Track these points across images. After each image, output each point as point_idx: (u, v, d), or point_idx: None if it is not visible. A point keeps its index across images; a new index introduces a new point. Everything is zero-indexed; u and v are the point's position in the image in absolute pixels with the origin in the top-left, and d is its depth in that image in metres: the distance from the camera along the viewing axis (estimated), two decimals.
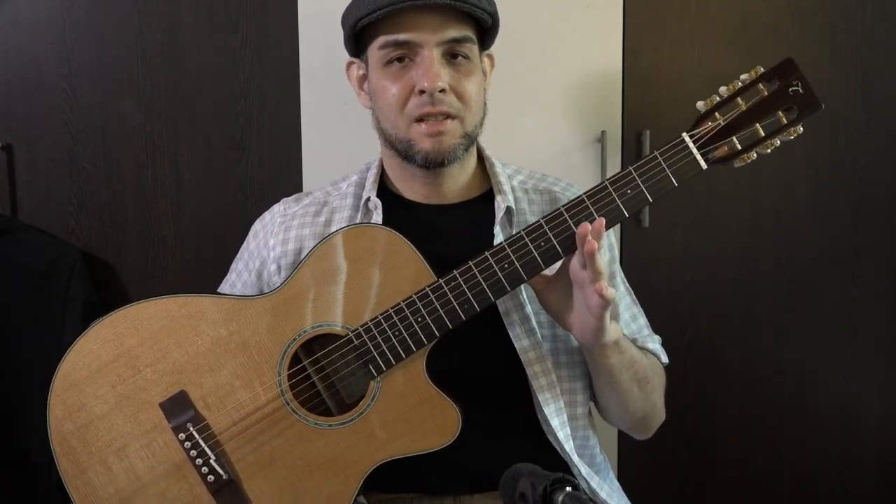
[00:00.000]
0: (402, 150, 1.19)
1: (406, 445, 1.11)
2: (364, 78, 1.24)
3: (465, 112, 1.17)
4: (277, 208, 1.32)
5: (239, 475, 1.11)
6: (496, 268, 1.09)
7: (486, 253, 1.09)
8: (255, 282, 1.29)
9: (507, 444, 1.18)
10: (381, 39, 1.15)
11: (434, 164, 1.18)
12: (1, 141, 1.92)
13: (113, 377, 1.11)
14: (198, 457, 1.10)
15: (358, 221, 1.24)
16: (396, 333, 1.09)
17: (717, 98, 1.09)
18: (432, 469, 1.14)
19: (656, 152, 1.08)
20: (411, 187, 1.25)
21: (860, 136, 1.90)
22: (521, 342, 1.17)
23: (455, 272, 1.09)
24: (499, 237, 1.20)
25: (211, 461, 1.10)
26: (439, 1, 1.11)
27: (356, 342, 1.10)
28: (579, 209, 1.08)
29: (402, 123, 1.17)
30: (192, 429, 1.10)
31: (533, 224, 1.09)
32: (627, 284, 1.33)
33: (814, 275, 1.93)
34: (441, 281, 1.09)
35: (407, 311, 1.09)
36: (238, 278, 1.32)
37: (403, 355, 1.10)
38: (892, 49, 1.88)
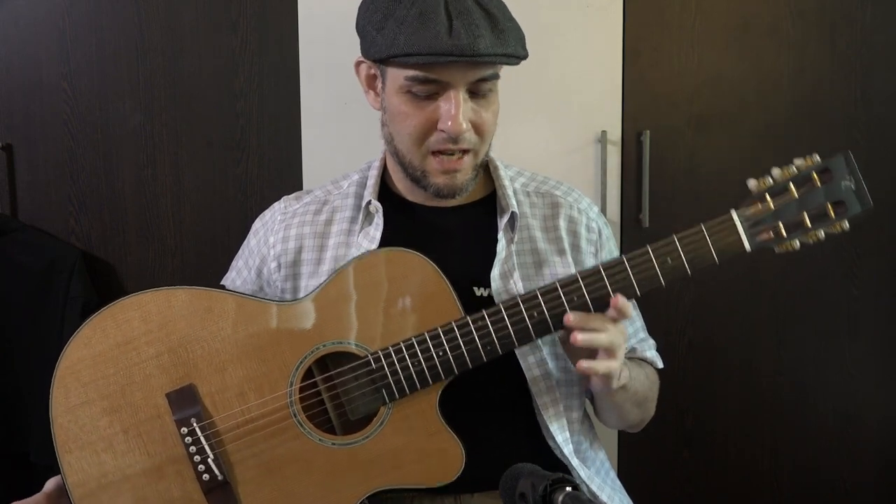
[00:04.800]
0: (412, 175, 1.19)
1: (404, 477, 1.10)
2: (374, 78, 1.20)
3: (480, 145, 1.17)
4: (278, 206, 1.31)
5: (235, 478, 1.10)
6: (525, 314, 1.08)
7: (518, 297, 1.08)
8: (255, 279, 1.29)
9: (508, 445, 1.18)
10: (410, 73, 1.10)
11: (445, 197, 1.18)
12: (1, 141, 1.92)
13: (124, 359, 1.11)
14: (196, 454, 1.09)
15: (359, 223, 1.24)
16: (415, 363, 1.08)
17: (770, 181, 1.08)
18: None
19: (702, 225, 1.07)
20: (413, 190, 1.24)
21: (860, 136, 1.90)
22: (520, 347, 1.17)
23: (484, 312, 1.08)
24: (501, 241, 1.20)
25: (209, 460, 1.09)
26: (481, 59, 1.07)
27: (374, 365, 1.09)
28: (617, 269, 1.07)
29: (419, 154, 1.16)
30: (195, 424, 1.09)
31: (569, 277, 1.08)
32: None
33: (814, 275, 1.93)
34: (468, 318, 1.08)
35: (429, 343, 1.08)
36: (238, 276, 1.32)
37: (419, 386, 1.09)
38: (892, 49, 1.88)
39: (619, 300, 1.05)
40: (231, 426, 1.10)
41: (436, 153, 1.15)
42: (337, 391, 1.12)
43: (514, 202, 1.23)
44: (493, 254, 1.20)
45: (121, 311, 1.12)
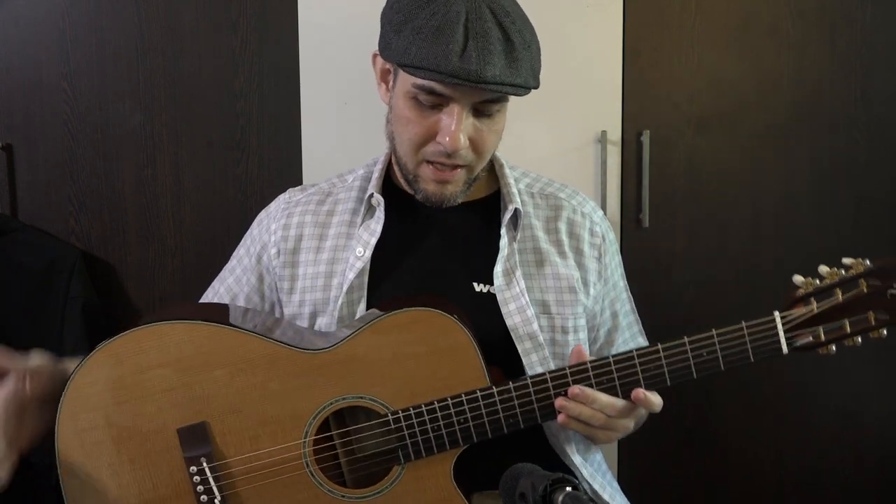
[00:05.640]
0: (405, 177, 1.19)
1: None
2: (388, 73, 1.19)
3: (476, 162, 1.16)
4: (282, 197, 1.32)
5: None
6: (552, 392, 1.07)
7: (547, 373, 1.07)
8: (255, 266, 1.29)
9: (509, 444, 1.18)
10: (419, 82, 1.09)
11: (433, 205, 1.18)
12: (1, 141, 1.92)
13: (138, 388, 1.08)
14: (204, 493, 1.08)
15: (360, 216, 1.23)
16: (435, 428, 1.07)
17: (818, 282, 1.07)
18: None
19: (744, 323, 1.06)
20: None
21: (860, 136, 1.90)
22: (522, 345, 1.17)
23: (511, 384, 1.08)
24: (504, 238, 1.20)
25: (216, 501, 1.08)
26: (487, 87, 1.06)
27: (393, 425, 1.08)
28: (651, 357, 1.07)
29: (413, 160, 1.16)
30: (205, 464, 1.08)
31: (601, 360, 1.07)
32: (629, 292, 1.33)
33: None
34: (494, 389, 1.07)
35: (451, 409, 1.07)
36: (239, 264, 1.32)
37: (436, 451, 1.08)
38: (892, 49, 1.88)
39: (639, 394, 1.06)
40: (242, 469, 1.09)
41: (430, 162, 1.15)
42: (352, 447, 1.11)
43: (517, 200, 1.23)
44: (495, 251, 1.20)
45: (138, 339, 1.08)
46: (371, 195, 1.23)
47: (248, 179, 1.92)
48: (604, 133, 1.84)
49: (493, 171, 1.27)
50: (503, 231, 1.21)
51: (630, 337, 1.31)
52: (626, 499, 1.27)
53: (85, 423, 1.08)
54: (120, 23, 1.89)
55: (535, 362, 1.17)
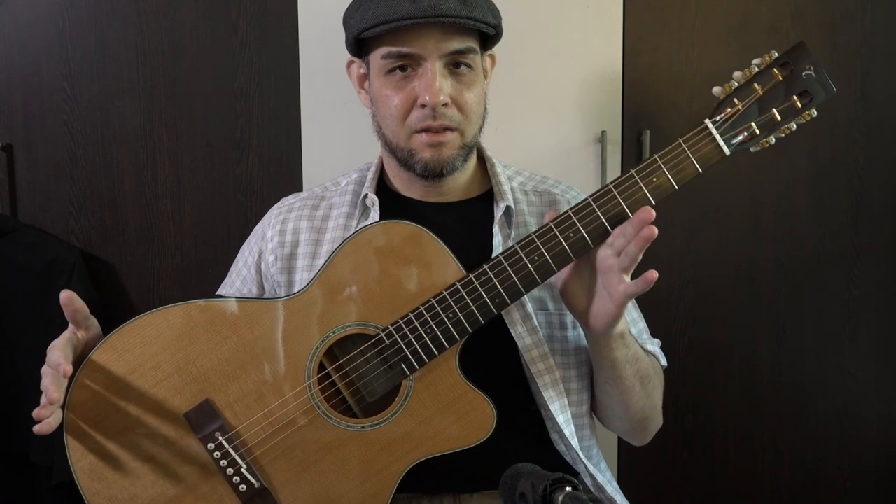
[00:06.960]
0: (402, 158, 1.20)
1: (441, 444, 1.10)
2: (365, 77, 1.24)
3: (465, 124, 1.17)
4: (276, 205, 1.33)
5: (272, 483, 1.09)
6: (526, 260, 1.07)
7: (516, 245, 1.08)
8: (255, 276, 1.30)
9: (509, 442, 1.18)
10: (384, 50, 1.15)
11: (433, 175, 1.19)
12: (1, 141, 1.92)
13: (133, 389, 1.07)
14: (228, 466, 1.08)
15: (356, 218, 1.24)
16: (428, 331, 1.08)
17: (735, 84, 1.11)
18: (432, 468, 1.14)
19: (680, 140, 1.08)
20: (410, 186, 1.26)
21: (860, 136, 1.90)
22: (523, 341, 1.17)
23: (485, 266, 1.08)
24: (497, 237, 1.21)
25: (242, 470, 1.08)
26: (444, 20, 1.10)
27: (387, 342, 1.08)
28: (606, 199, 1.08)
29: (403, 133, 1.17)
30: (220, 438, 1.07)
31: (561, 215, 1.08)
32: None
33: (814, 275, 1.93)
34: (471, 275, 1.08)
35: (438, 308, 1.07)
36: (238, 276, 1.33)
37: (436, 353, 1.08)
38: (892, 49, 1.88)
39: (645, 209, 1.06)
40: (257, 432, 1.09)
41: (420, 131, 1.16)
42: (356, 374, 1.11)
43: (509, 197, 1.23)
44: (489, 249, 1.20)
45: (119, 340, 1.08)
46: (366, 195, 1.24)
47: (248, 179, 1.92)
48: (604, 133, 1.84)
49: (485, 169, 1.28)
50: (495, 229, 1.21)
51: (636, 334, 1.30)
52: (625, 499, 1.27)
53: (92, 441, 1.07)
54: (120, 23, 1.89)
55: (537, 357, 1.17)
